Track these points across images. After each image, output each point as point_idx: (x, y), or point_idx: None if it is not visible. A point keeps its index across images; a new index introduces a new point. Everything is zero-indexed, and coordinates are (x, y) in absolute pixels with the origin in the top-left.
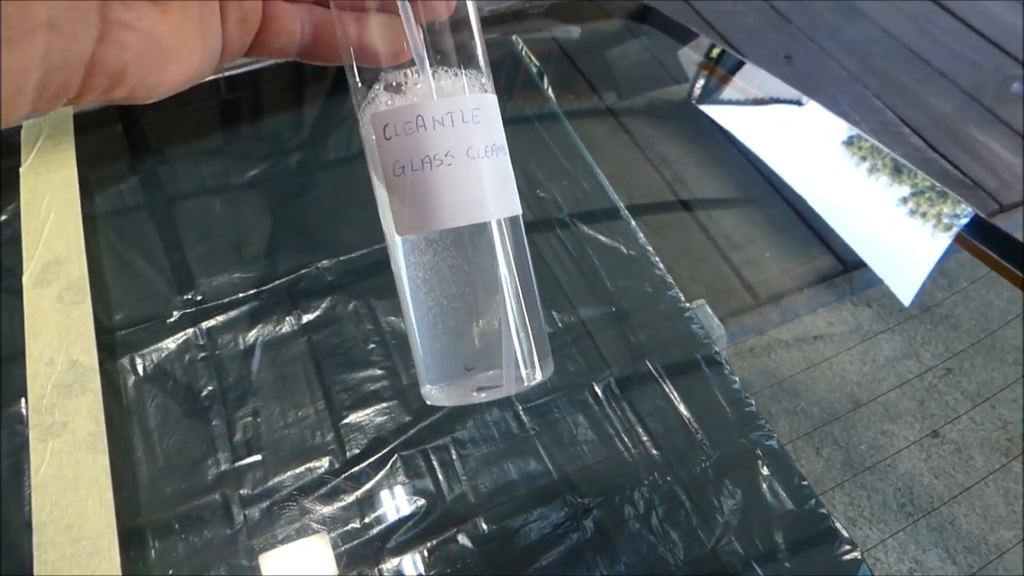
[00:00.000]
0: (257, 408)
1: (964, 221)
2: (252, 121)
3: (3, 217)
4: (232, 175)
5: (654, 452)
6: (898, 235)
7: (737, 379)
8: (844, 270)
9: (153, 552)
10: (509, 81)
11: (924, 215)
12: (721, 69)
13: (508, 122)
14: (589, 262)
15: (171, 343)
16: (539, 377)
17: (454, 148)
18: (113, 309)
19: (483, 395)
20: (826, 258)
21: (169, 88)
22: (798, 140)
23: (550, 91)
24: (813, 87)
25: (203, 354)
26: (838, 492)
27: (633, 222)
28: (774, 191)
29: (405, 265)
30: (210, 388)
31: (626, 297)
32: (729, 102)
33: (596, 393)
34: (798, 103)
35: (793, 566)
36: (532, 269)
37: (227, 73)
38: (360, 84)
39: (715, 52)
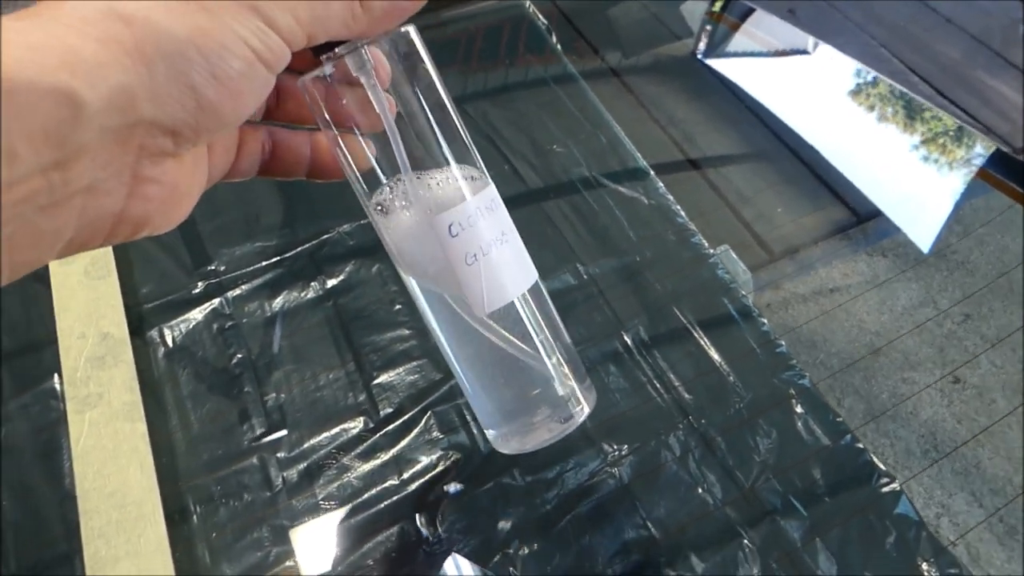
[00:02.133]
0: (288, 373)
1: (984, 156)
2: None
3: None
4: None
5: (687, 397)
6: (913, 181)
7: (766, 321)
8: (858, 221)
9: (195, 517)
10: (512, 43)
11: (937, 161)
12: (731, 16)
13: (523, 85)
14: (611, 214)
15: (197, 314)
16: (587, 410)
17: (501, 229)
18: (137, 285)
19: (546, 437)
20: (839, 209)
21: (176, 223)
22: (807, 90)
23: (559, 50)
24: (818, 39)
25: (230, 323)
26: (861, 441)
27: (652, 172)
28: (783, 145)
29: (463, 342)
30: (239, 356)
31: (650, 247)
32: (735, 54)
33: (626, 342)
34: (805, 52)
35: (833, 501)
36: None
37: None
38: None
39: (718, 4)
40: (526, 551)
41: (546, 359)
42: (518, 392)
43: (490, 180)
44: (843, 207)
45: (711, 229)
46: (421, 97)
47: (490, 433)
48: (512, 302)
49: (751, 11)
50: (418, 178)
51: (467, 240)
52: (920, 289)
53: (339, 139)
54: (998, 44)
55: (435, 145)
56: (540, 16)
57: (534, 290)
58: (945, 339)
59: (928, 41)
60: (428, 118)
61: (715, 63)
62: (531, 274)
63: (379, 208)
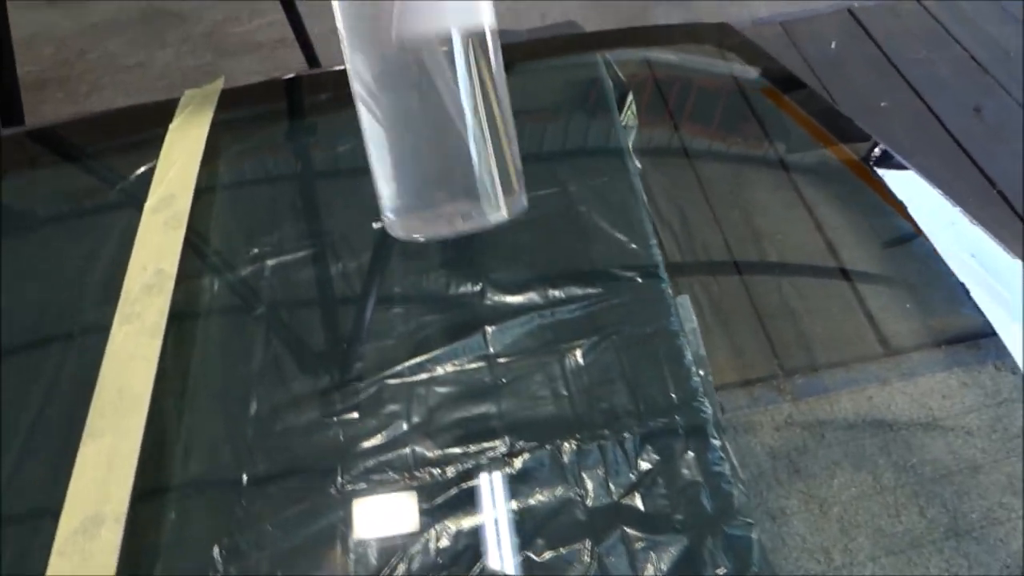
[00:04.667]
0: (295, 335)
1: None
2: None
3: (153, 164)
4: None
5: (594, 415)
6: None
7: (690, 354)
8: (991, 332)
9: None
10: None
11: None
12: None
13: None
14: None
15: (249, 270)
16: (505, 215)
17: None
18: (211, 240)
19: (446, 228)
20: (972, 317)
21: None
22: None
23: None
24: (999, 140)
25: (262, 283)
26: (935, 555)
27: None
28: (921, 251)
29: (371, 79)
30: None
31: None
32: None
33: (563, 360)
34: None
35: (683, 525)
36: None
37: None
38: None
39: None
40: None
41: (473, 137)
42: (432, 165)
43: None
44: (979, 315)
45: (830, 319)
46: None
47: (387, 215)
48: (450, 53)
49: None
50: None
51: None
52: None
53: None
54: None
55: None
56: (622, 77)
57: (481, 46)
58: None
59: None
60: None
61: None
62: (478, 15)
63: None
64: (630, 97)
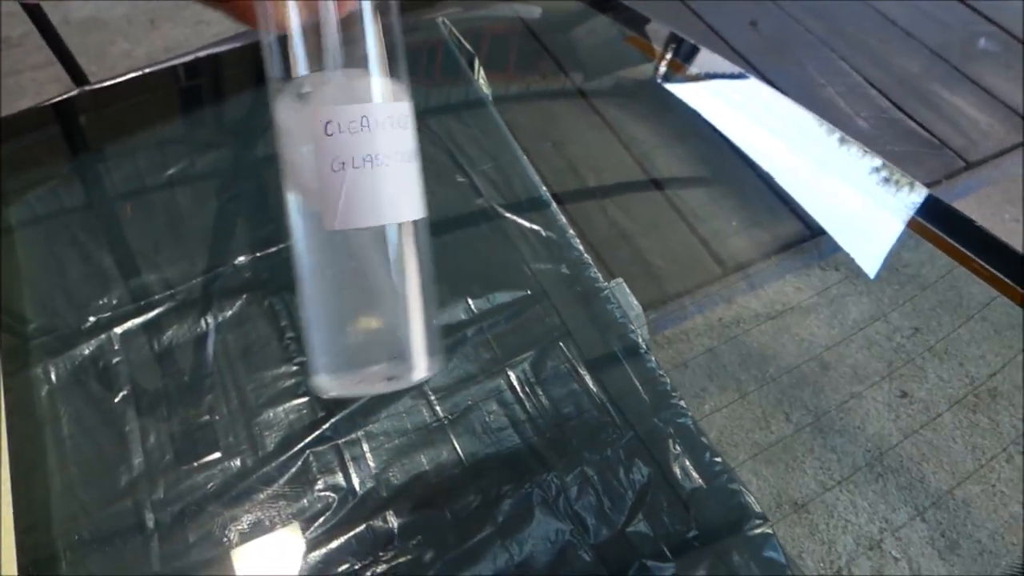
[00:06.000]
0: (171, 410)
1: (916, 202)
2: (169, 120)
3: None
4: (148, 177)
5: (566, 436)
6: (860, 209)
7: (653, 359)
8: (812, 235)
9: (64, 563)
10: (430, 65)
11: (888, 180)
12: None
13: (434, 110)
14: (508, 246)
15: (85, 349)
16: (423, 374)
17: (391, 150)
18: (28, 319)
19: (371, 388)
20: (794, 223)
21: None
22: (756, 116)
23: (481, 73)
24: (779, 52)
25: (117, 359)
26: (808, 456)
27: (554, 204)
28: (741, 163)
29: (312, 259)
30: (124, 393)
31: (544, 280)
32: (689, 80)
33: (510, 379)
34: (742, 77)
35: (701, 544)
36: (430, 268)
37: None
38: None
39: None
40: None
41: (396, 305)
42: (362, 330)
43: (409, 100)
44: (798, 221)
45: (666, 245)
46: None
47: (318, 376)
48: (380, 230)
49: (696, 50)
50: (335, 73)
51: (342, 144)
52: (871, 303)
53: None
54: (956, 57)
55: (362, 46)
56: (459, 37)
57: (410, 230)
58: (894, 353)
59: (888, 55)
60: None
61: (674, 88)
62: (412, 209)
63: (290, 91)
64: (476, 62)
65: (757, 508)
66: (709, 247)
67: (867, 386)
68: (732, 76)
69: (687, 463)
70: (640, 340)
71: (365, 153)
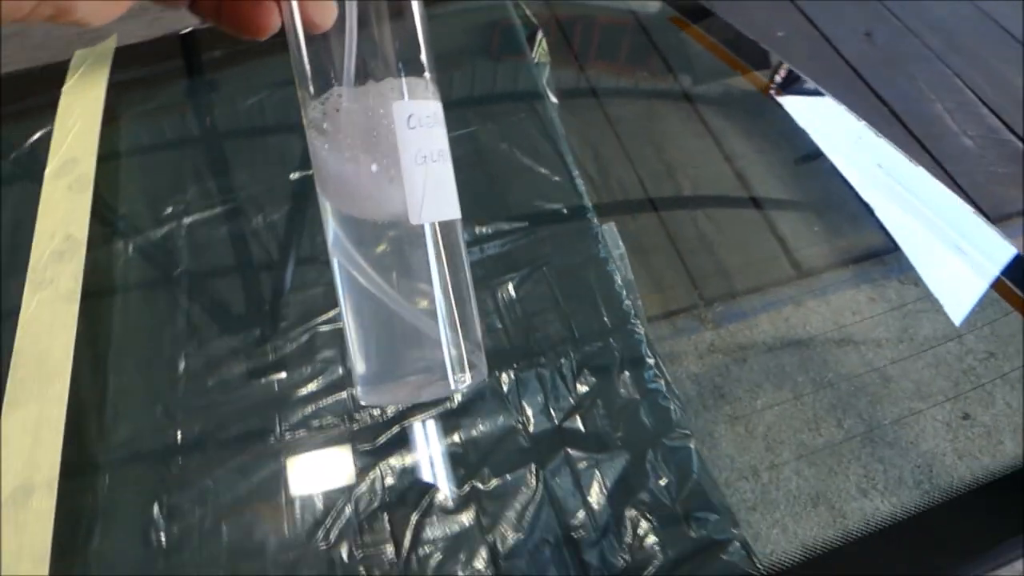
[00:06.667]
0: (215, 286)
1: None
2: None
3: (49, 128)
4: (235, 103)
5: (530, 344)
6: (945, 258)
7: (625, 292)
8: (895, 247)
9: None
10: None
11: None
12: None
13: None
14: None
15: (157, 232)
16: (469, 381)
17: (441, 148)
18: (118, 207)
19: (413, 396)
20: (877, 235)
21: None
22: (850, 142)
23: (543, 49)
24: (891, 64)
25: (180, 242)
26: (854, 463)
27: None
28: (833, 178)
29: (346, 265)
30: (180, 269)
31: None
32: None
33: (496, 294)
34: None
35: (623, 445)
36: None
37: None
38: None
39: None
40: None
41: (440, 314)
42: (402, 342)
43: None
44: (882, 233)
45: (741, 240)
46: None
47: (360, 386)
48: (424, 238)
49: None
50: (367, 82)
51: (422, 138)
52: (947, 322)
53: None
54: None
55: (392, 52)
56: (531, 17)
57: (450, 231)
58: (963, 375)
59: (1006, 73)
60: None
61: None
62: (457, 208)
63: (321, 105)
64: (540, 35)
65: (682, 422)
66: (787, 248)
67: (929, 404)
68: (813, 93)
69: (628, 378)
70: (617, 276)
71: (438, 148)
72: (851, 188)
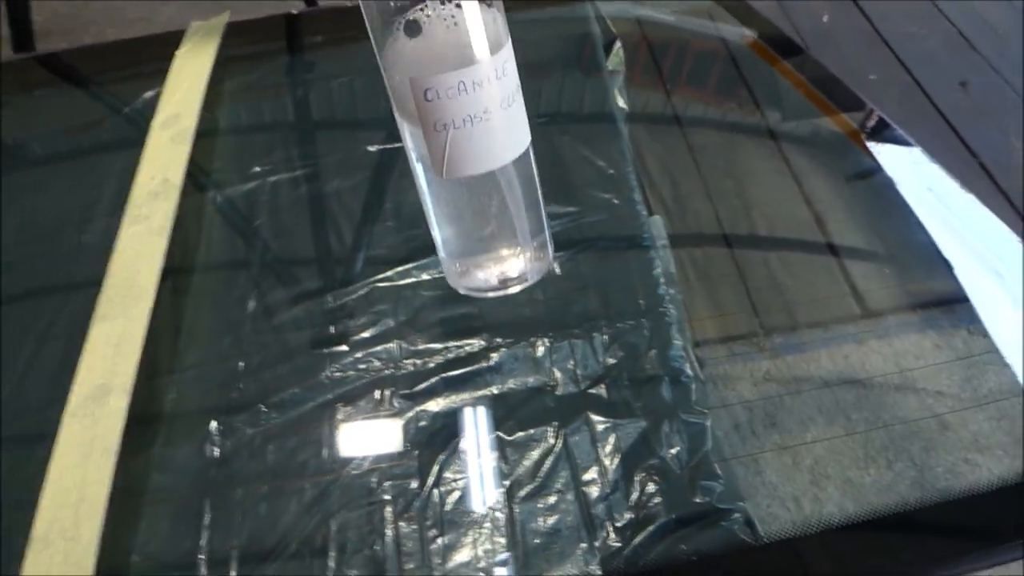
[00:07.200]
0: (288, 237)
1: None
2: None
3: (158, 90)
4: (328, 80)
5: (565, 316)
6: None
7: (660, 267)
8: (965, 298)
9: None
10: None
11: None
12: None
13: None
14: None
15: (243, 188)
16: (530, 280)
17: (491, 104)
18: (211, 165)
19: (492, 290)
20: (950, 283)
21: None
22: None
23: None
24: (984, 116)
25: (264, 197)
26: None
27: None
28: (913, 226)
29: (435, 193)
30: (260, 221)
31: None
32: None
33: None
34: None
35: (643, 411)
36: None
37: None
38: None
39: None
40: None
41: (515, 212)
42: (478, 242)
43: (508, 39)
44: (955, 282)
45: (809, 275)
46: None
47: (447, 270)
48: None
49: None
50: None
51: (442, 109)
52: (1013, 378)
53: None
54: None
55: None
56: (611, 27)
57: (519, 159)
58: None
59: None
60: None
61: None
62: (516, 148)
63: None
64: (617, 44)
65: (701, 401)
66: (854, 287)
67: (986, 457)
68: (902, 142)
69: (654, 356)
70: (657, 265)
71: (465, 114)
72: (930, 239)
